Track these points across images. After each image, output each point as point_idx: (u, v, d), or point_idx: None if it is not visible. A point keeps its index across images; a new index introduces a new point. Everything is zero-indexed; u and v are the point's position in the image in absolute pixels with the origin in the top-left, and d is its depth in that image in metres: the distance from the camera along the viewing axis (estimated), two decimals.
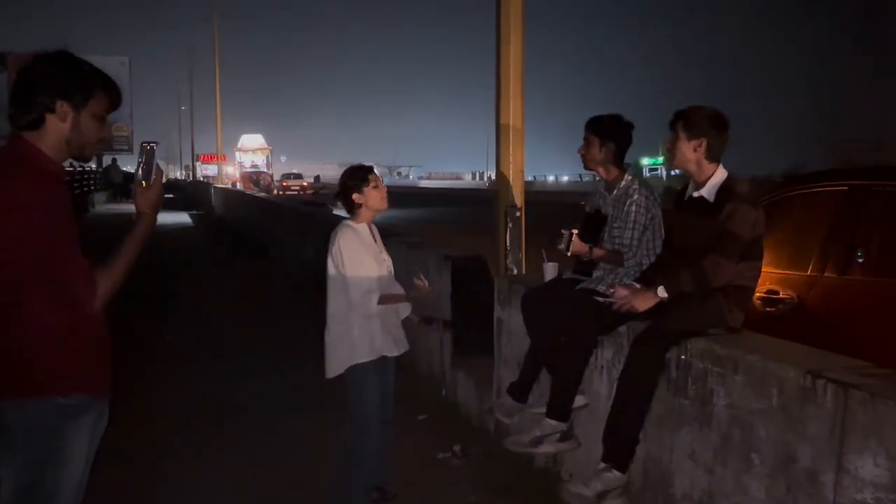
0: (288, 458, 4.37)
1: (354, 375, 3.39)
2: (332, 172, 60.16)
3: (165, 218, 20.04)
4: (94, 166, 30.92)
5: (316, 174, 53.04)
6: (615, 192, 3.65)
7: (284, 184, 40.19)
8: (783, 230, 4.18)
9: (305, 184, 40.81)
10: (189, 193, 32.17)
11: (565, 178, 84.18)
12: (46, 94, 2.01)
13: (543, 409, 3.49)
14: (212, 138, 43.88)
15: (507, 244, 5.25)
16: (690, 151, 3.08)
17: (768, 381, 2.48)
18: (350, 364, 3.37)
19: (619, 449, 2.98)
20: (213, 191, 30.25)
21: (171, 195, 28.66)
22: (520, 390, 3.70)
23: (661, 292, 2.99)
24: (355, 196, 3.43)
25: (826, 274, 3.83)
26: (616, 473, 2.95)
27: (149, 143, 2.19)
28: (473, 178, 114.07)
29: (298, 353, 6.50)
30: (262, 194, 29.95)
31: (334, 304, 3.43)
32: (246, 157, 52.81)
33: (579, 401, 3.43)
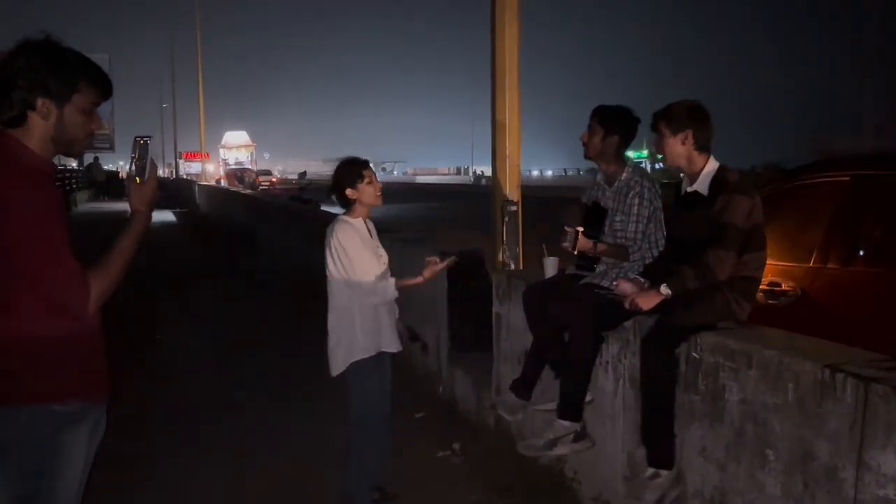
0: (287, 458, 4.29)
1: (355, 372, 3.36)
2: (315, 169, 59.86)
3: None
4: (75, 165, 30.56)
5: (302, 170, 52.85)
6: (616, 184, 3.60)
7: (258, 180, 42.28)
8: (785, 221, 4.13)
9: (274, 179, 44.45)
10: (172, 191, 32.07)
11: (549, 173, 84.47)
12: (27, 90, 1.90)
13: (548, 406, 3.44)
14: (195, 136, 44.25)
15: (504, 239, 5.20)
16: (679, 145, 3.06)
17: (784, 376, 2.43)
18: (351, 361, 3.34)
19: (662, 450, 2.93)
20: (197, 188, 30.06)
21: None
22: (523, 387, 3.63)
23: (665, 290, 2.96)
24: (349, 191, 3.38)
25: (829, 265, 3.78)
26: (664, 473, 2.90)
27: (142, 137, 2.09)
28: (458, 172, 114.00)
29: (291, 352, 6.44)
30: (248, 191, 29.80)
31: (335, 299, 3.38)
32: (230, 153, 52.71)
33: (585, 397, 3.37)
